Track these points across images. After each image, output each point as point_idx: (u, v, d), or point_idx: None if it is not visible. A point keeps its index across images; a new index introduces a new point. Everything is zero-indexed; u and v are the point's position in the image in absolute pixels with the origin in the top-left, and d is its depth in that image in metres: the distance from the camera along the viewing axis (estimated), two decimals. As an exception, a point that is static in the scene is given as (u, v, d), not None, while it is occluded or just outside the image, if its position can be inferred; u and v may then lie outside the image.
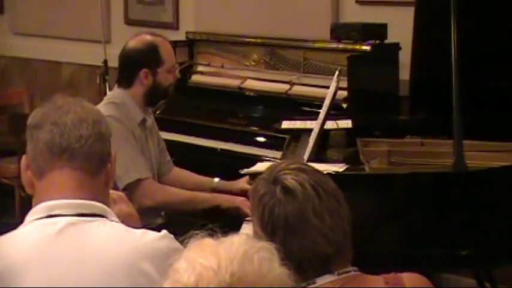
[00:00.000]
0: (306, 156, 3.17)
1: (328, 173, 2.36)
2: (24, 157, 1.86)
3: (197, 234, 1.28)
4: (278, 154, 3.77)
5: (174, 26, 5.25)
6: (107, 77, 4.79)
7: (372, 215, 2.82)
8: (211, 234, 1.28)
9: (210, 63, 4.73)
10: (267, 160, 3.67)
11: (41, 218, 1.77)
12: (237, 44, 4.63)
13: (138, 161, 3.28)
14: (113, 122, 3.04)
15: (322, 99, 3.44)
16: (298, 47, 4.36)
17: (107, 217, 1.82)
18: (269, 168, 1.84)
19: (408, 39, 3.56)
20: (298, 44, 4.37)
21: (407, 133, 3.45)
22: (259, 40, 4.55)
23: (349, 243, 1.78)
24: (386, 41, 4.11)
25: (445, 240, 2.84)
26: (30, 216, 1.80)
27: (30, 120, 1.86)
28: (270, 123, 4.10)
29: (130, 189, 3.14)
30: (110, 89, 4.42)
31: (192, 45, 4.80)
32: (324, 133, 3.35)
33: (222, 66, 4.67)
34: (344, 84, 3.83)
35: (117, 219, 1.84)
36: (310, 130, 3.37)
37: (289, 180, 1.77)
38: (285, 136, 3.78)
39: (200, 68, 4.77)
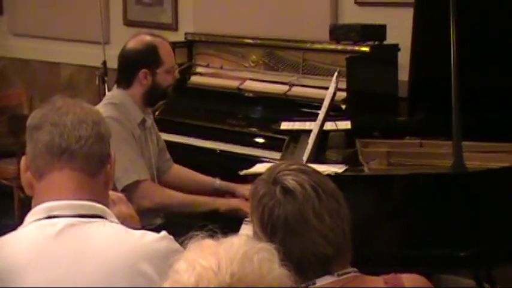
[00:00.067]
0: (305, 157, 3.17)
1: (327, 174, 2.36)
2: (23, 158, 1.87)
3: (197, 235, 1.28)
4: (277, 155, 3.77)
5: (173, 27, 5.25)
6: (106, 78, 4.80)
7: (371, 215, 2.82)
8: (211, 235, 1.28)
9: (209, 64, 4.73)
10: (266, 161, 3.68)
11: (41, 219, 1.77)
12: (236, 45, 4.63)
13: (137, 162, 3.28)
14: (112, 122, 3.04)
15: (321, 100, 3.43)
16: (297, 48, 4.36)
17: (106, 218, 1.82)
18: (269, 169, 1.84)
19: (407, 40, 3.56)
20: (297, 45, 4.36)
21: (407, 134, 3.45)
22: (258, 41, 4.55)
23: (349, 244, 1.78)
24: (385, 42, 4.11)
25: (444, 240, 2.85)
26: (30, 217, 1.80)
27: (29, 121, 1.86)
28: (269, 124, 4.09)
29: (128, 191, 3.14)
30: (109, 90, 4.42)
31: (191, 46, 4.80)
32: (323, 134, 3.35)
33: (221, 67, 4.67)
34: (343, 85, 3.82)
35: (116, 220, 1.85)
36: (309, 131, 3.37)
37: (289, 181, 1.77)
38: (284, 137, 3.78)
39: (199, 69, 4.77)
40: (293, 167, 1.81)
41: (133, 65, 3.35)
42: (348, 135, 3.54)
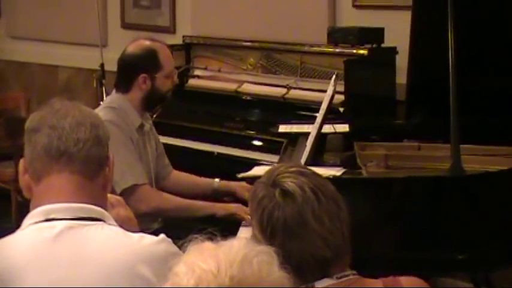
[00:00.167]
0: (303, 160, 3.17)
1: (325, 177, 2.36)
2: (22, 161, 1.86)
3: (196, 237, 1.28)
4: (275, 158, 3.77)
5: (171, 29, 5.26)
6: (103, 81, 4.79)
7: (369, 218, 2.82)
8: (211, 238, 1.28)
9: (207, 67, 4.73)
10: (264, 164, 3.67)
11: (39, 221, 1.77)
12: (234, 47, 4.63)
13: (135, 166, 3.28)
14: (110, 126, 3.03)
15: (319, 103, 3.43)
16: (295, 51, 4.36)
17: (104, 221, 1.82)
18: (268, 171, 1.84)
19: (405, 43, 3.57)
20: (295, 48, 4.36)
21: (405, 137, 3.46)
22: (256, 44, 4.55)
23: (348, 246, 1.78)
24: (383, 45, 4.12)
25: (442, 243, 2.85)
26: (28, 220, 1.80)
27: (28, 124, 1.86)
28: (267, 127, 4.10)
29: (126, 194, 3.14)
30: (107, 93, 4.43)
31: (188, 49, 4.80)
32: (321, 137, 3.35)
33: (219, 70, 4.67)
34: (341, 88, 3.83)
35: (115, 223, 1.84)
36: (307, 134, 3.37)
37: (289, 183, 1.77)
38: (282, 140, 3.78)
39: (197, 72, 4.77)
40: (292, 169, 1.81)
41: (132, 69, 3.35)
42: (346, 138, 3.54)
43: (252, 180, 2.78)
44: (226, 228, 1.54)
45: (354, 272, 1.78)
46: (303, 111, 4.13)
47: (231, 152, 4.15)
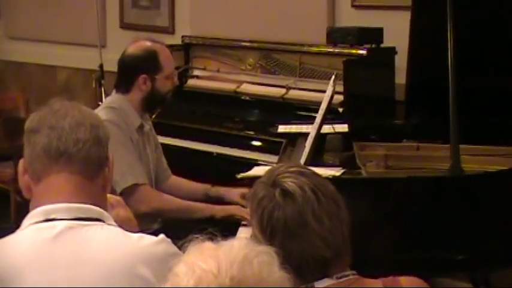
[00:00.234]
0: (302, 160, 3.16)
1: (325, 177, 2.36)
2: (21, 161, 1.86)
3: (197, 238, 1.28)
4: (274, 158, 3.77)
5: (170, 30, 5.25)
6: (102, 81, 4.79)
7: (368, 219, 2.82)
8: (211, 238, 1.28)
9: (206, 68, 4.73)
10: (263, 164, 3.67)
11: (39, 222, 1.77)
12: (233, 48, 4.63)
13: (135, 166, 3.28)
14: (110, 126, 3.03)
15: (318, 104, 3.43)
16: (294, 51, 4.36)
17: (104, 221, 1.81)
18: (268, 171, 1.84)
19: (404, 43, 3.57)
20: (294, 48, 4.36)
21: (404, 137, 3.46)
22: (255, 44, 4.55)
23: (348, 246, 1.78)
24: (382, 45, 4.12)
25: (441, 243, 2.85)
26: (28, 220, 1.80)
27: (27, 124, 1.86)
28: (266, 127, 4.10)
29: (126, 194, 3.14)
30: (106, 94, 4.43)
31: (187, 50, 4.80)
32: (320, 137, 3.35)
33: (218, 71, 4.67)
34: (340, 88, 3.83)
35: (114, 224, 1.84)
36: (306, 134, 3.37)
37: (289, 183, 1.77)
38: (282, 140, 3.78)
39: (196, 72, 4.77)
40: (293, 169, 1.81)
41: (132, 70, 3.35)
42: (345, 138, 3.54)
43: (251, 180, 2.78)
44: (226, 228, 1.54)
45: (354, 272, 1.78)
46: (302, 111, 4.13)
47: (230, 153, 4.15)
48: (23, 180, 1.85)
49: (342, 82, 3.87)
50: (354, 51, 4.07)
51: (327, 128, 3.53)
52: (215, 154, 4.19)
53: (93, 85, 4.84)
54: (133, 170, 3.26)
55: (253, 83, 4.50)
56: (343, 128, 3.63)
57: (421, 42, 3.45)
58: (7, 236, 1.79)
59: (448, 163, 2.88)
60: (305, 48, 4.31)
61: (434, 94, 3.14)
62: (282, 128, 3.83)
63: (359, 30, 4.10)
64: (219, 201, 3.48)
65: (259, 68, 4.51)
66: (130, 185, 3.24)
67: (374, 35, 4.11)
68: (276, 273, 1.22)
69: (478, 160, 3.05)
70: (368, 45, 4.08)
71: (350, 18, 4.40)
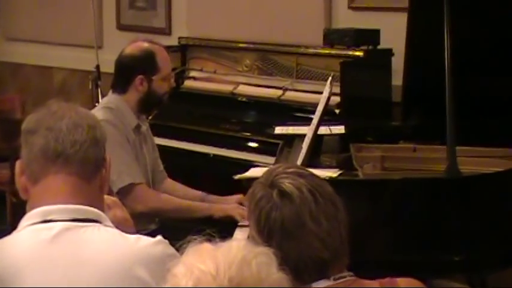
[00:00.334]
0: (299, 162, 3.16)
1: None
2: (18, 162, 1.86)
3: (195, 239, 1.28)
4: (271, 160, 3.77)
5: (167, 31, 5.25)
6: (99, 82, 4.78)
7: (365, 220, 2.82)
8: (209, 239, 1.28)
9: (203, 69, 4.73)
10: (260, 166, 3.67)
11: (36, 223, 1.77)
12: (229, 49, 4.63)
13: (131, 166, 3.28)
14: (107, 126, 3.04)
15: (315, 105, 3.43)
16: (291, 53, 4.36)
17: (101, 222, 1.81)
18: (266, 172, 1.83)
19: (401, 45, 3.57)
20: (291, 50, 4.37)
21: (400, 139, 3.46)
22: (252, 45, 4.55)
23: (346, 248, 1.78)
24: (379, 47, 4.12)
25: (438, 245, 2.85)
26: (25, 221, 1.79)
27: (24, 126, 1.86)
28: (263, 128, 4.10)
29: (123, 194, 3.14)
30: (102, 95, 4.42)
31: (184, 51, 4.80)
32: (317, 138, 3.35)
33: (215, 72, 4.67)
34: (337, 89, 3.83)
35: (111, 225, 1.84)
36: (303, 135, 3.37)
37: (286, 184, 1.77)
38: (278, 142, 3.78)
39: (193, 74, 4.77)
40: (290, 170, 1.81)
41: (129, 70, 3.35)
42: (342, 139, 3.54)
43: (248, 181, 2.78)
44: (224, 229, 1.54)
45: (351, 273, 1.78)
46: (299, 112, 4.13)
47: (227, 154, 4.15)
48: (20, 181, 1.85)
49: (338, 83, 3.87)
50: (350, 52, 4.07)
51: (323, 130, 3.53)
52: (212, 155, 4.19)
53: (90, 86, 4.83)
54: (130, 170, 3.26)
55: (250, 84, 4.50)
56: (340, 129, 3.63)
57: (418, 43, 3.45)
58: (4, 237, 1.79)
59: (445, 165, 2.88)
60: (302, 50, 4.31)
61: (431, 96, 3.14)
62: (278, 130, 3.83)
63: (356, 32, 4.11)
64: None
65: (256, 69, 4.51)
66: (127, 184, 3.24)
67: (371, 36, 4.12)
68: (275, 274, 1.22)
69: (474, 162, 3.06)
70: (365, 47, 4.08)
71: (347, 19, 4.41)
